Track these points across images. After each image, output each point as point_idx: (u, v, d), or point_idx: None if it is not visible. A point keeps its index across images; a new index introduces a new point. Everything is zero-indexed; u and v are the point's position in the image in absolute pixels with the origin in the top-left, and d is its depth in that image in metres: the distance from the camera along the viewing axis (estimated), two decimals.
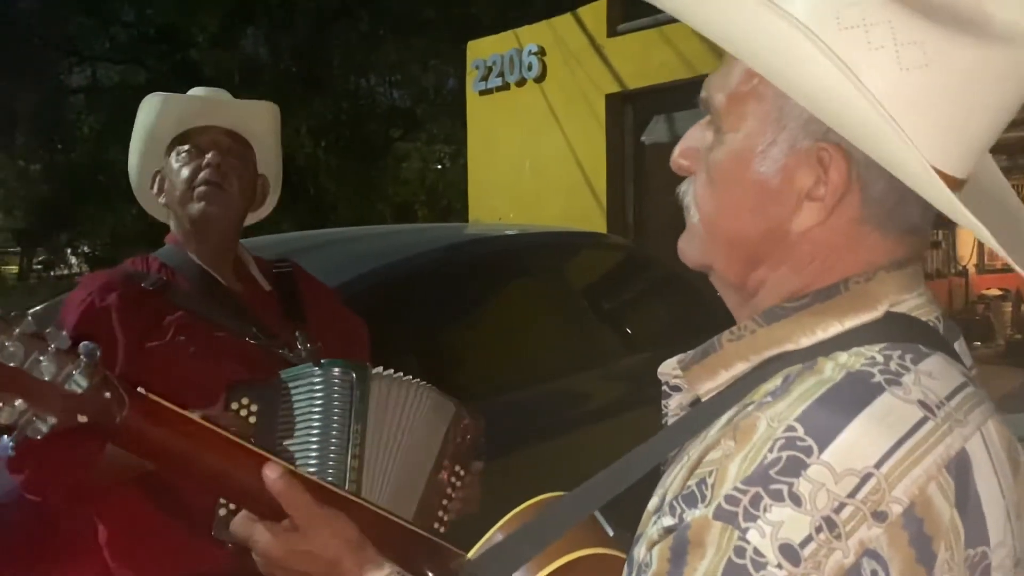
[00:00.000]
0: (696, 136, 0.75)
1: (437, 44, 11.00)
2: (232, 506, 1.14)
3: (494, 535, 0.84)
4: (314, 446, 1.21)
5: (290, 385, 1.25)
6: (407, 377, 1.30)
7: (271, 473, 0.81)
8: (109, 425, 0.78)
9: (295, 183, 13.31)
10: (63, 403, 0.75)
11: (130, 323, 1.38)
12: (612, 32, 6.53)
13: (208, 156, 1.49)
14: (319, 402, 1.23)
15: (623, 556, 0.75)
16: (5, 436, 0.74)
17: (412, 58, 12.56)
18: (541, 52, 6.96)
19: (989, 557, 0.64)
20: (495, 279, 3.12)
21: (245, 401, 1.24)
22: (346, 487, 1.17)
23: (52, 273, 17.03)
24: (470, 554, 0.86)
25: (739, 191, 0.71)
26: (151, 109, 1.58)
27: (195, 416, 0.82)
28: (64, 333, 0.75)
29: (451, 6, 11.15)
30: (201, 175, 1.48)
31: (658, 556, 0.63)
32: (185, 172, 1.49)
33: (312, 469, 1.18)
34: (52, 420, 0.75)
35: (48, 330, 0.75)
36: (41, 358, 0.74)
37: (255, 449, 0.84)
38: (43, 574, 1.64)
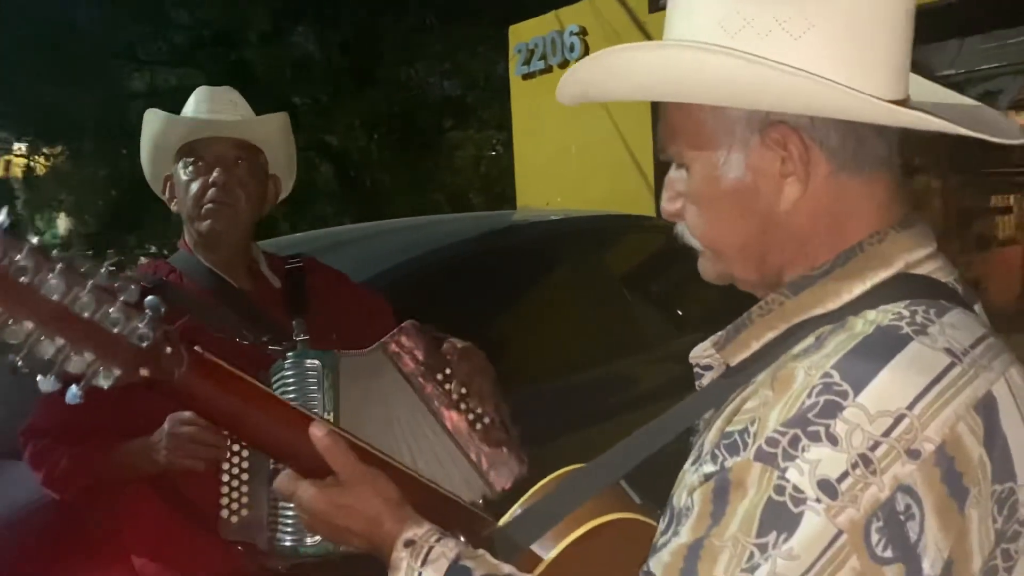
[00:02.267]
0: (673, 181, 0.82)
1: (483, 30, 10.97)
2: (235, 506, 1.17)
3: (523, 503, 0.88)
4: None
5: (273, 380, 1.28)
6: (360, 352, 1.31)
7: (318, 431, 0.85)
8: (168, 380, 0.80)
9: (352, 177, 13.48)
10: (128, 356, 0.77)
11: None
12: (654, 7, 6.43)
13: (214, 174, 1.52)
14: (292, 395, 1.25)
15: (650, 522, 0.80)
16: (74, 385, 0.75)
17: (459, 46, 12.56)
18: (583, 32, 6.91)
19: (1016, 493, 0.67)
20: (536, 265, 3.11)
21: None
22: None
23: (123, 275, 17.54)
24: (501, 522, 0.89)
25: (723, 205, 0.77)
26: (154, 123, 1.60)
27: (249, 378, 0.86)
28: (133, 286, 0.77)
29: None
30: (208, 194, 1.51)
31: (700, 499, 0.67)
32: (193, 188, 1.52)
33: None
34: (117, 372, 0.77)
35: (118, 283, 0.77)
36: (111, 310, 0.76)
37: (302, 410, 0.88)
38: (71, 574, 1.70)
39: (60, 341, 0.74)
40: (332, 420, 1.25)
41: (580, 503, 0.83)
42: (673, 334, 3.19)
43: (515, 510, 0.88)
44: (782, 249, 0.77)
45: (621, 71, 0.77)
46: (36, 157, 16.12)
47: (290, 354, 1.29)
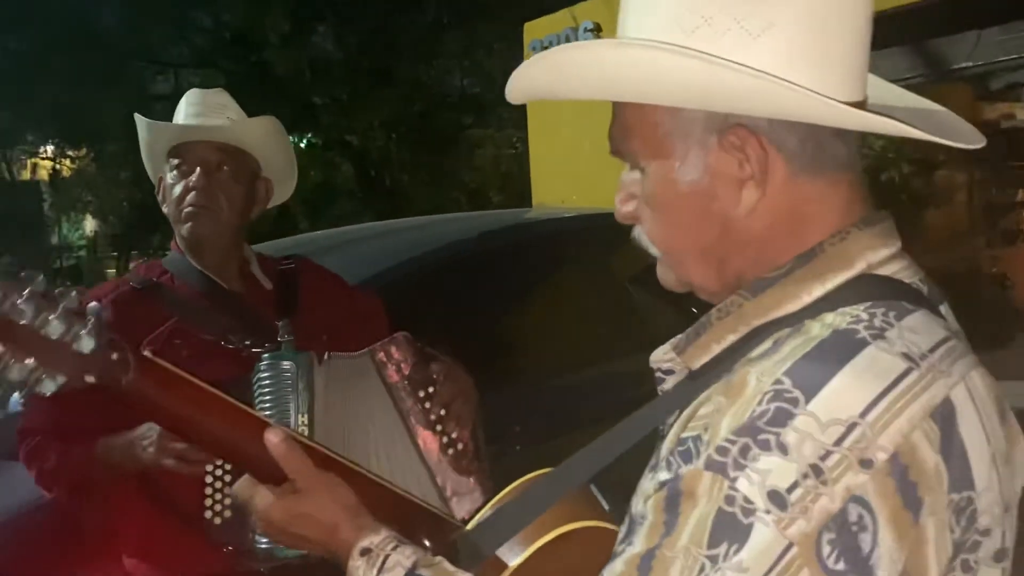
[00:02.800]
0: (626, 182, 0.80)
1: (500, 28, 10.97)
2: (218, 508, 1.19)
3: (490, 508, 0.87)
4: None
5: (253, 382, 1.29)
6: (347, 355, 1.31)
7: (273, 437, 0.83)
8: (115, 386, 0.79)
9: (371, 176, 13.52)
10: (71, 362, 0.77)
11: (122, 330, 1.44)
12: None
13: (194, 178, 1.53)
14: (268, 399, 1.26)
15: (617, 529, 0.77)
16: (16, 393, 0.75)
17: (476, 44, 12.57)
18: (597, 29, 6.89)
19: (975, 502, 0.65)
20: (544, 263, 3.12)
21: None
22: None
23: None
24: (469, 526, 0.88)
25: (680, 207, 0.76)
26: (141, 129, 1.63)
27: (200, 382, 0.84)
28: (74, 293, 0.76)
29: None
30: (188, 197, 1.53)
31: (653, 507, 0.66)
32: (176, 190, 1.55)
33: None
34: (61, 379, 0.76)
35: (58, 290, 0.77)
36: (51, 317, 0.75)
37: (257, 414, 0.87)
38: (68, 573, 1.74)
39: None
40: (306, 422, 1.26)
41: (542, 509, 0.81)
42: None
43: (482, 514, 0.86)
44: (741, 253, 0.76)
45: (576, 70, 0.75)
46: (62, 160, 16.35)
47: (265, 355, 1.30)
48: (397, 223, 3.72)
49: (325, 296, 1.66)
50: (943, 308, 0.76)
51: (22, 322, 0.74)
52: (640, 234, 0.81)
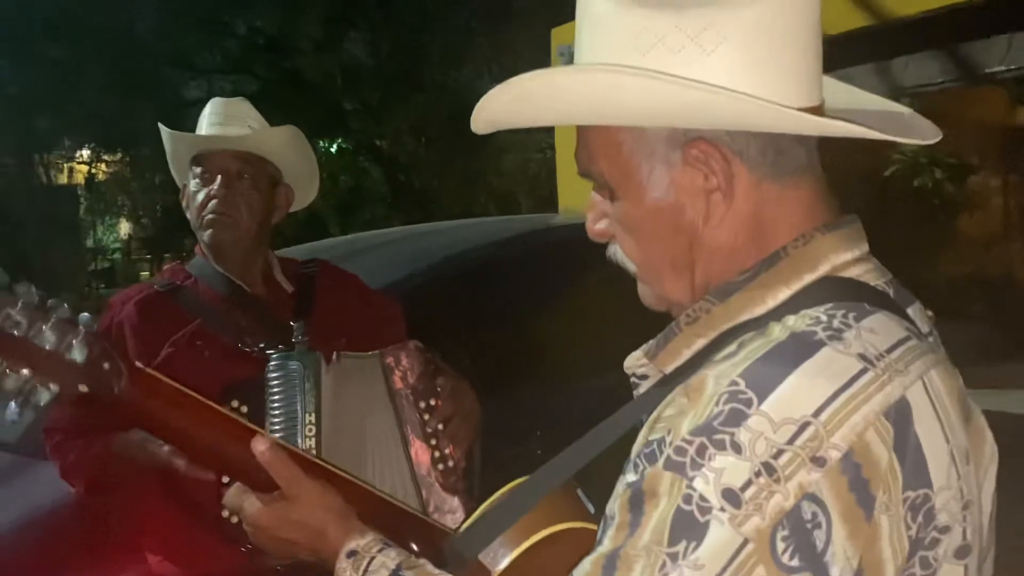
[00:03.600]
0: (596, 201, 0.82)
1: (528, 34, 11.00)
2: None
3: (477, 514, 0.88)
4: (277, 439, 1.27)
5: (265, 381, 1.31)
6: (358, 355, 1.33)
7: (260, 445, 0.85)
8: (108, 395, 0.81)
9: (400, 180, 13.61)
10: (64, 372, 0.78)
11: (144, 332, 1.48)
12: None
13: (214, 187, 1.57)
14: (277, 398, 1.28)
15: None
16: (12, 403, 0.77)
17: (505, 50, 12.61)
18: None
19: (932, 499, 0.66)
20: (571, 267, 3.13)
21: (235, 403, 1.31)
22: None
23: None
24: (456, 532, 0.89)
25: (650, 223, 0.77)
26: (164, 138, 1.66)
27: (190, 391, 0.85)
28: (65, 305, 0.78)
29: None
30: (208, 205, 1.56)
31: (619, 508, 0.68)
32: (198, 198, 1.58)
33: None
34: (54, 388, 0.78)
35: (50, 301, 0.79)
36: (44, 327, 0.77)
37: (246, 423, 0.89)
38: (94, 569, 1.78)
39: None
40: (313, 421, 1.28)
41: (522, 512, 0.83)
42: None
43: (469, 521, 0.87)
44: (710, 262, 0.77)
45: (536, 98, 0.77)
46: (98, 164, 16.63)
47: (274, 355, 1.33)
48: (423, 227, 3.75)
49: (342, 298, 1.69)
50: (912, 309, 0.77)
51: (16, 333, 0.76)
52: (615, 251, 0.82)
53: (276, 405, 1.29)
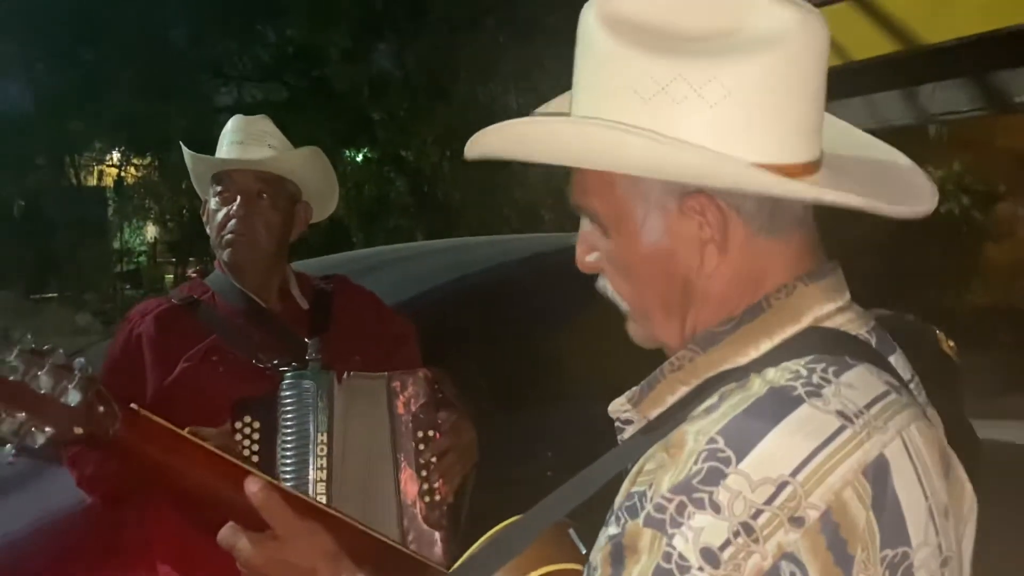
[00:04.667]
0: (588, 234, 0.82)
1: (556, 49, 11.07)
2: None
3: (469, 554, 0.88)
4: (289, 462, 1.28)
5: (278, 399, 1.32)
6: (366, 375, 1.33)
7: (252, 486, 0.86)
8: (103, 437, 0.83)
9: (424, 192, 13.67)
10: (60, 415, 0.80)
11: (162, 346, 1.50)
12: None
13: (234, 207, 1.58)
14: (290, 417, 1.29)
15: None
16: (8, 445, 0.79)
17: (534, 63, 12.67)
18: None
19: (911, 557, 0.66)
20: (587, 287, 3.13)
21: (247, 419, 1.32)
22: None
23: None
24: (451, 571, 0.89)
25: (644, 266, 0.77)
26: (186, 158, 1.69)
27: (184, 432, 0.87)
28: (60, 350, 0.81)
29: (571, 9, 11.17)
30: (228, 225, 1.58)
31: (601, 561, 0.68)
32: (218, 216, 1.60)
33: (288, 482, 1.24)
34: (49, 431, 0.80)
35: (46, 347, 0.81)
36: (40, 372, 0.79)
37: (238, 463, 0.90)
38: (103, 574, 1.79)
39: None
40: (325, 440, 1.29)
41: (512, 554, 0.82)
42: None
43: (461, 560, 0.87)
44: (701, 309, 0.77)
45: (533, 142, 0.77)
46: (127, 167, 16.85)
47: (288, 373, 1.33)
48: (443, 243, 3.77)
49: (358, 316, 1.70)
50: (895, 357, 0.77)
51: (12, 378, 0.78)
52: (604, 286, 0.82)
53: (289, 424, 1.31)
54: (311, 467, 1.28)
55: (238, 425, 1.32)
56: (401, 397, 1.38)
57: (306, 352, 1.51)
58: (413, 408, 1.37)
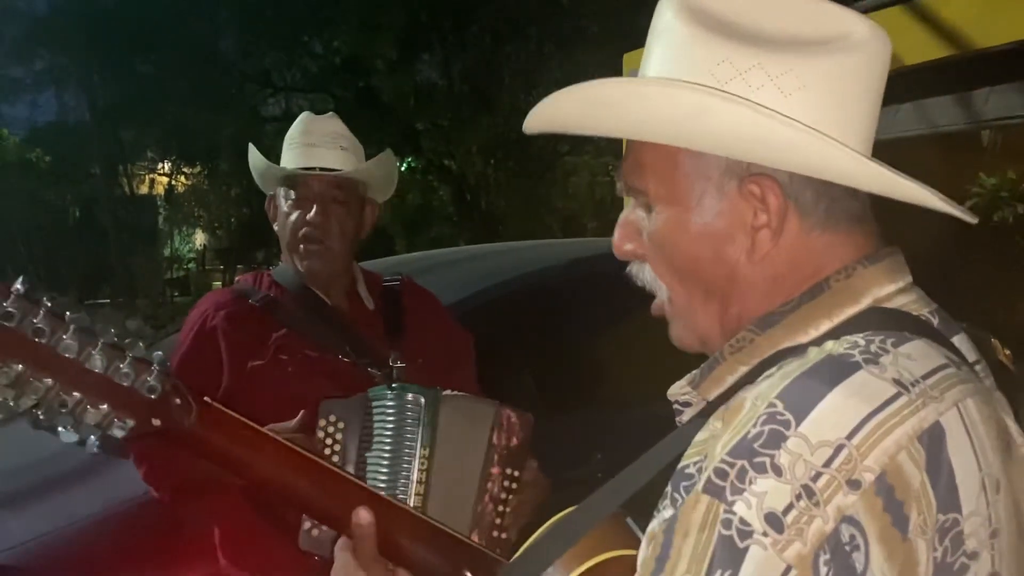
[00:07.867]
0: (630, 219, 0.81)
1: (600, 58, 11.05)
2: (318, 521, 1.23)
3: (527, 545, 0.89)
4: (384, 469, 1.28)
5: (373, 405, 1.32)
6: (476, 398, 1.33)
7: (363, 518, 0.87)
8: (179, 429, 0.85)
9: (468, 200, 13.75)
10: (140, 407, 0.82)
11: (235, 341, 1.52)
12: None
13: (312, 213, 1.58)
14: (390, 426, 1.29)
15: None
16: (92, 436, 0.81)
17: (577, 73, 12.69)
18: None
19: (961, 524, 0.66)
20: (631, 291, 3.13)
21: (333, 418, 1.32)
22: None
23: None
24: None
25: (693, 247, 0.76)
26: (255, 162, 1.69)
27: (257, 426, 0.88)
28: (140, 344, 0.82)
29: (615, 18, 11.17)
30: (303, 231, 1.58)
31: (655, 537, 0.68)
32: (291, 219, 1.60)
33: (380, 489, 1.24)
34: (131, 423, 0.82)
35: (127, 340, 0.83)
36: (121, 365, 0.81)
37: (314, 458, 0.91)
38: (165, 565, 1.83)
39: (77, 395, 0.78)
40: (427, 455, 1.28)
41: (571, 543, 0.82)
42: None
43: (521, 550, 0.87)
44: (744, 297, 0.76)
45: (614, 105, 0.75)
46: (178, 176, 17.20)
47: (395, 386, 1.32)
48: (492, 247, 3.79)
49: (424, 321, 1.69)
50: (958, 339, 0.76)
51: (96, 370, 0.79)
52: (640, 271, 0.81)
53: (388, 433, 1.29)
54: (412, 480, 1.28)
55: (322, 423, 1.31)
56: (504, 430, 1.36)
57: (373, 351, 1.52)
58: (511, 443, 1.35)
